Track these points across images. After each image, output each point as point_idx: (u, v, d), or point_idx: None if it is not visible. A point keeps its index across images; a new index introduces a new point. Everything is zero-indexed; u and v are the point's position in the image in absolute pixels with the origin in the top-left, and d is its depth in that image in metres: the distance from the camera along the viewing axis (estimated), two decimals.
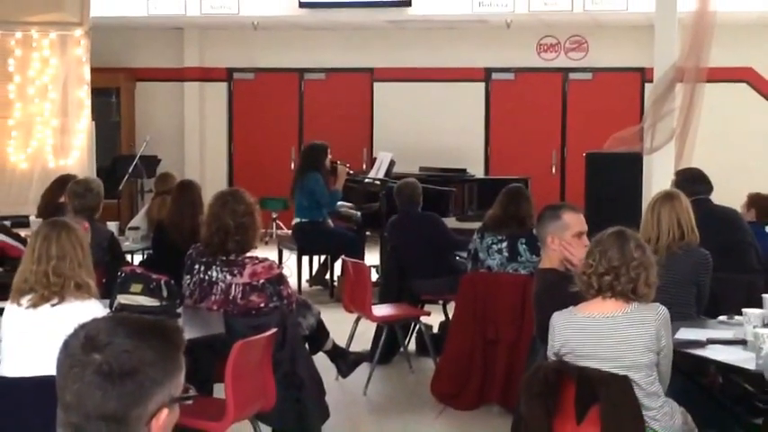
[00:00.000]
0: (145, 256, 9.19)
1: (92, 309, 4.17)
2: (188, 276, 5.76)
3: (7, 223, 8.43)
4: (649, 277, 4.24)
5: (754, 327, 4.74)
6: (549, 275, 5.01)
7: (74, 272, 4.31)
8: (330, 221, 11.02)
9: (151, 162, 14.66)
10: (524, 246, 7.03)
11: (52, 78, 12.41)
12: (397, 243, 8.81)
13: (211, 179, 15.66)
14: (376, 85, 16.52)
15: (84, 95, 12.49)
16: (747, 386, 4.98)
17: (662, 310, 4.23)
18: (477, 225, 7.62)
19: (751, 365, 4.33)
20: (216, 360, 4.91)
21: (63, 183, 8.10)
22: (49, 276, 4.29)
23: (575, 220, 5.11)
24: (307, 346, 6.18)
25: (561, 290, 4.54)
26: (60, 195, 7.94)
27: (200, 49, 16.88)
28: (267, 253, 6.80)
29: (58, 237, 4.36)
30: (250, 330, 5.16)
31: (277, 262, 8.52)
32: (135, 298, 5.23)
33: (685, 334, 4.92)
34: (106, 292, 5.32)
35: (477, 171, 14.61)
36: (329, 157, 10.91)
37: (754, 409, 5.29)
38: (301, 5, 14.91)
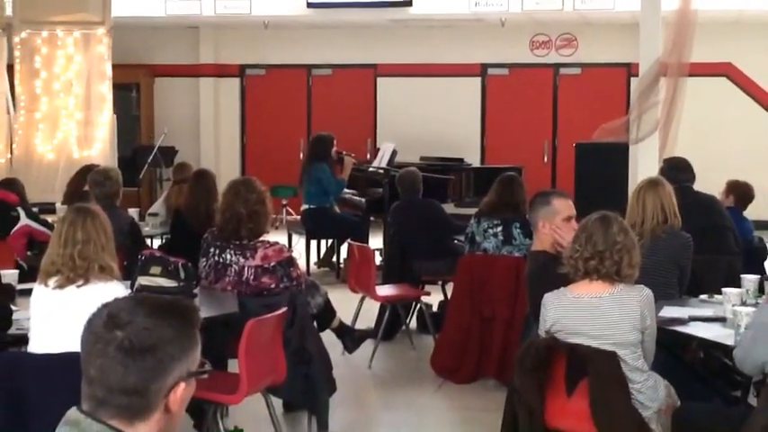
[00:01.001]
0: (163, 241, 9.19)
1: (114, 289, 4.16)
2: (204, 259, 5.76)
3: (35, 210, 8.44)
4: (632, 259, 4.23)
5: (733, 305, 4.75)
6: (540, 257, 5.01)
7: (98, 255, 4.31)
8: (336, 208, 11.02)
9: (169, 153, 14.66)
10: (518, 230, 7.02)
11: (76, 74, 12.42)
12: (399, 228, 8.80)
13: (225, 168, 15.66)
14: (379, 80, 16.50)
15: (106, 90, 12.50)
16: (727, 360, 4.98)
17: (646, 292, 4.23)
18: (473, 211, 7.60)
19: (730, 341, 4.33)
20: (230, 337, 4.91)
21: (87, 172, 8.08)
22: (74, 259, 4.28)
23: (564, 206, 5.11)
24: (315, 323, 6.18)
25: (552, 271, 4.53)
26: (84, 184, 7.93)
27: (215, 47, 16.86)
28: (278, 237, 6.79)
29: (83, 222, 4.35)
30: (262, 309, 5.16)
31: (287, 246, 8.54)
32: (154, 279, 5.23)
33: (668, 312, 4.92)
34: (127, 274, 5.31)
35: (474, 160, 14.61)
36: (335, 147, 10.90)
37: (732, 382, 5.30)
38: (309, 6, 14.88)
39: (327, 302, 6.58)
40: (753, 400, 4.47)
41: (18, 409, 3.97)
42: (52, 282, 4.31)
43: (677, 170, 7.19)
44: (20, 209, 7.83)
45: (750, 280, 5.24)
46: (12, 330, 4.59)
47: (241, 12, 15.13)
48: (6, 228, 7.60)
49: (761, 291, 5.16)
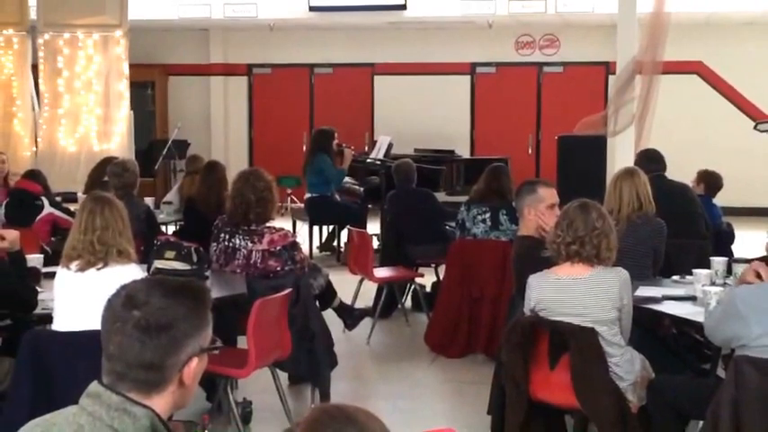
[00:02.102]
0: (177, 227, 9.19)
1: (131, 272, 4.15)
2: (215, 244, 5.76)
3: (59, 199, 8.43)
4: (610, 243, 4.23)
5: (703, 285, 4.75)
6: (526, 242, 5.01)
7: (116, 240, 4.29)
8: (337, 196, 11.01)
9: (182, 146, 14.61)
10: (505, 216, 7.02)
11: (96, 73, 12.40)
12: (395, 214, 8.80)
13: (234, 160, 15.64)
14: (376, 78, 16.48)
15: (123, 88, 12.48)
16: (697, 336, 4.98)
17: (623, 273, 4.23)
18: (464, 198, 7.60)
19: (700, 318, 4.33)
20: (239, 316, 4.91)
21: (106, 164, 8.06)
22: (94, 244, 4.27)
23: (548, 194, 5.11)
24: (317, 303, 6.19)
25: (537, 254, 4.54)
26: (104, 175, 7.92)
27: (224, 48, 16.83)
28: (283, 223, 6.79)
29: (101, 210, 4.34)
30: (268, 290, 5.16)
31: (291, 231, 8.53)
32: (169, 263, 5.22)
33: (643, 291, 4.92)
34: (144, 258, 5.31)
35: (464, 152, 14.61)
36: (336, 140, 10.89)
37: (702, 356, 5.30)
38: (311, 9, 14.86)
39: (329, 284, 6.58)
40: (721, 373, 4.47)
41: (43, 382, 3.97)
42: (74, 265, 4.30)
43: (651, 160, 7.17)
44: (44, 198, 7.82)
45: (719, 262, 5.25)
46: (37, 310, 4.59)
47: (248, 15, 15.10)
48: (31, 216, 7.60)
49: (729, 272, 5.16)
